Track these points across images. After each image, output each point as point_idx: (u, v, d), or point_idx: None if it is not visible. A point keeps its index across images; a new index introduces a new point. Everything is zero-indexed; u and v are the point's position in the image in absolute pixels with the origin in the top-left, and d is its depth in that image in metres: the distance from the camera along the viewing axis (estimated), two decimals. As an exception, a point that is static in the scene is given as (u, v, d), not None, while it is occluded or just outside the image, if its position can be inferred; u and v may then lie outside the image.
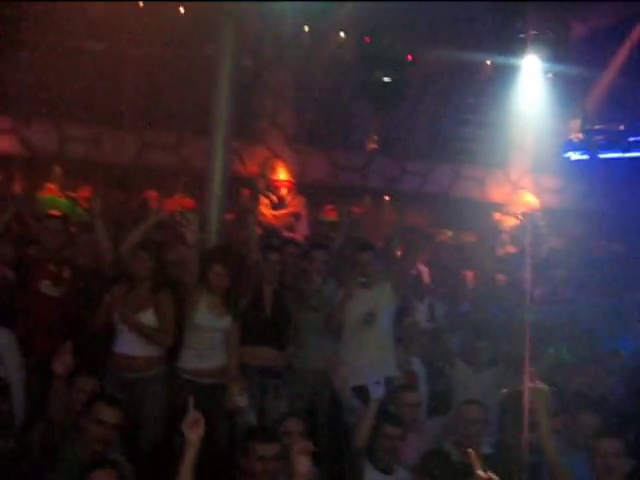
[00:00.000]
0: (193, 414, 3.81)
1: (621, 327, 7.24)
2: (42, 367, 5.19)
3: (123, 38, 10.84)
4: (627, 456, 4.17)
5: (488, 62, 11.44)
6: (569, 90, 11.23)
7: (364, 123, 12.32)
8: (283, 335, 5.65)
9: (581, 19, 9.11)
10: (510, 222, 12.60)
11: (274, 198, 11.27)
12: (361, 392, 5.33)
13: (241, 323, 5.46)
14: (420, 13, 8.96)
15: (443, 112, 12.79)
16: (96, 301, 5.36)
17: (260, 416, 5.32)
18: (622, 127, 11.53)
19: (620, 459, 4.14)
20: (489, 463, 3.74)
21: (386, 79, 10.35)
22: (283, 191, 11.56)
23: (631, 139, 11.42)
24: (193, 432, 3.77)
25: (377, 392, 4.56)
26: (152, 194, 10.34)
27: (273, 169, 11.95)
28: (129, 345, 5.25)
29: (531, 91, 9.83)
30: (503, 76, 10.65)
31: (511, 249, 10.80)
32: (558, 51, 7.42)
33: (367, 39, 10.62)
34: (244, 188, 11.03)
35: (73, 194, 10.02)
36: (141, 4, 9.95)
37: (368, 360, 5.60)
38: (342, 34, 10.57)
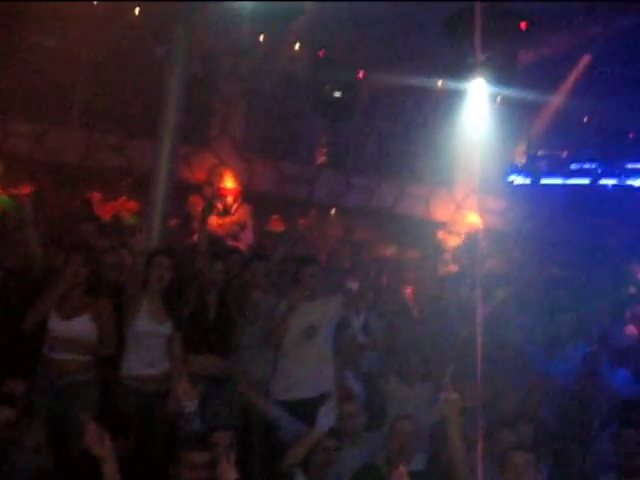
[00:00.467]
0: (91, 430, 3.68)
1: (554, 350, 7.39)
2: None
3: (73, 35, 10.70)
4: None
5: (439, 83, 11.63)
6: (515, 114, 11.49)
7: (314, 136, 12.37)
8: (226, 343, 5.61)
9: (529, 47, 9.33)
10: (453, 241, 12.78)
11: (220, 206, 11.21)
12: (296, 406, 5.33)
13: (184, 330, 5.41)
14: (374, 32, 9.07)
15: (392, 130, 12.92)
16: (26, 302, 5.21)
17: (202, 424, 5.27)
18: (565, 154, 11.84)
19: (530, 472, 4.24)
20: (418, 480, 3.79)
21: (337, 94, 10.44)
22: (229, 199, 11.51)
23: (573, 166, 11.73)
24: (99, 448, 3.66)
25: (325, 423, 4.46)
26: (96, 195, 10.20)
27: (220, 177, 11.88)
28: (60, 348, 5.13)
29: (478, 114, 10.00)
30: (452, 97, 10.83)
31: (453, 268, 10.96)
32: (505, 76, 7.59)
33: (321, 52, 10.70)
34: (191, 194, 10.99)
35: (15, 191, 9.82)
36: (94, 2, 9.84)
37: (306, 374, 5.60)
38: (297, 46, 10.62)
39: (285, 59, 10.96)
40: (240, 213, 11.34)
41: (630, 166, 11.48)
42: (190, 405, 4.86)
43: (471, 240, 12.31)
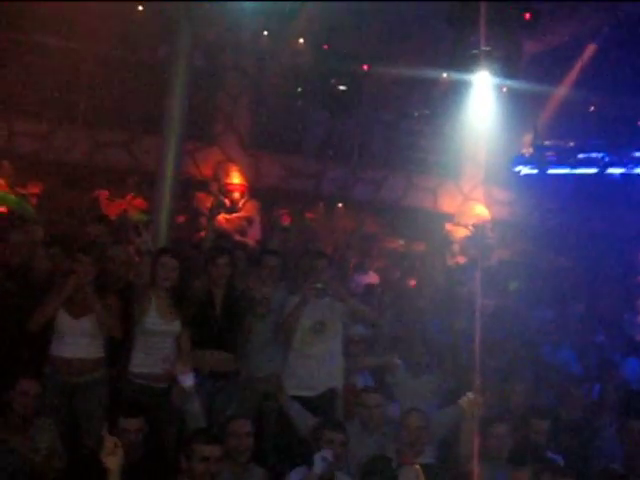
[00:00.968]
0: (109, 441, 3.73)
1: (562, 339, 7.38)
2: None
3: (78, 34, 10.71)
4: None
5: (444, 75, 11.60)
6: (522, 105, 11.44)
7: (319, 130, 12.35)
8: (233, 339, 5.62)
9: (534, 37, 9.28)
10: (461, 233, 12.76)
11: (227, 202, 11.23)
12: (305, 402, 5.34)
13: (191, 326, 5.42)
14: (378, 25, 9.05)
15: (398, 122, 12.90)
16: (31, 301, 5.21)
17: (209, 419, 5.29)
18: (572, 144, 11.78)
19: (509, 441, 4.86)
20: (428, 473, 3.80)
21: (342, 87, 10.42)
22: (236, 195, 11.52)
23: (580, 156, 11.68)
24: (112, 460, 3.71)
25: (320, 467, 4.47)
26: (103, 193, 10.23)
27: (227, 172, 11.90)
28: (70, 348, 5.13)
29: (484, 105, 9.97)
30: (458, 89, 10.80)
31: (461, 259, 10.95)
32: (510, 67, 7.54)
33: (325, 46, 10.68)
34: (198, 191, 11.01)
35: (22, 190, 9.86)
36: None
37: (316, 370, 5.60)
38: (301, 40, 10.60)
39: (289, 53, 10.95)
40: (247, 208, 11.36)
41: (638, 154, 11.43)
42: (185, 379, 4.85)
43: (479, 231, 12.30)
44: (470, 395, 4.83)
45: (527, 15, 7.62)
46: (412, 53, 9.73)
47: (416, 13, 8.93)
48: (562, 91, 11.63)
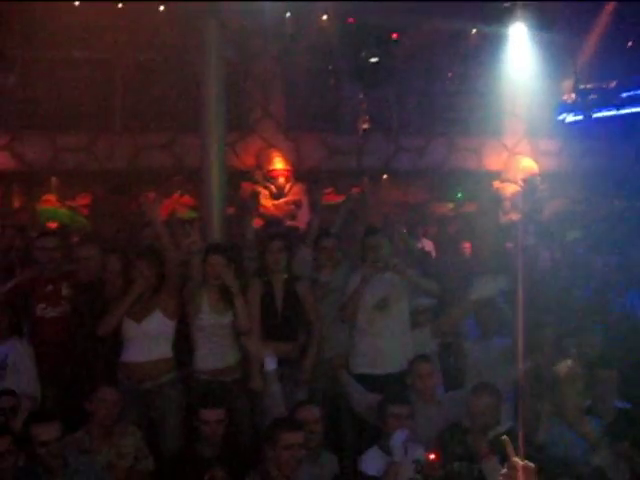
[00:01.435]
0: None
1: (629, 284, 7.21)
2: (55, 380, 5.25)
3: (106, 44, 10.80)
4: None
5: (474, 31, 11.38)
6: (559, 51, 11.15)
7: (355, 105, 12.26)
8: (296, 326, 5.61)
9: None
10: (510, 189, 12.59)
11: (273, 188, 11.26)
12: (374, 381, 5.32)
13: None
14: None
15: (433, 86, 12.74)
16: (100, 312, 5.28)
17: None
18: (614, 84, 11.48)
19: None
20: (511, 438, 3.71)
21: (373, 59, 10.30)
22: (281, 180, 11.54)
23: (624, 95, 11.37)
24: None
25: (400, 454, 4.32)
26: (150, 195, 10.32)
27: (269, 159, 11.91)
28: (138, 352, 5.20)
29: (520, 57, 9.75)
30: (491, 44, 10.59)
31: (514, 216, 10.81)
32: (544, 17, 7.35)
33: (351, 20, 10.55)
34: (243, 181, 11.05)
35: (72, 203, 10.05)
36: (120, 6, 9.88)
37: (383, 347, 5.57)
38: (325, 17, 10.49)
39: (315, 32, 10.84)
40: (294, 192, 11.38)
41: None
42: (269, 363, 4.89)
43: (529, 185, 12.12)
44: (569, 362, 4.75)
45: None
46: (442, 11, 9.50)
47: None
48: (598, 29, 11.30)
